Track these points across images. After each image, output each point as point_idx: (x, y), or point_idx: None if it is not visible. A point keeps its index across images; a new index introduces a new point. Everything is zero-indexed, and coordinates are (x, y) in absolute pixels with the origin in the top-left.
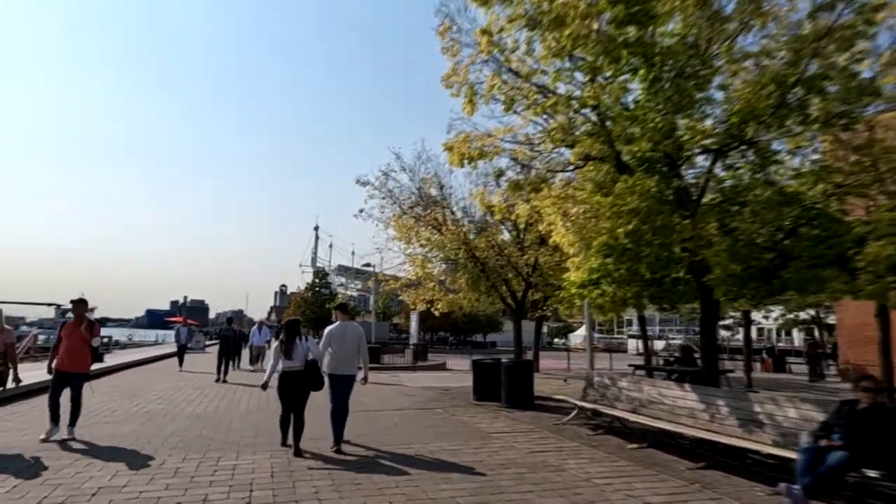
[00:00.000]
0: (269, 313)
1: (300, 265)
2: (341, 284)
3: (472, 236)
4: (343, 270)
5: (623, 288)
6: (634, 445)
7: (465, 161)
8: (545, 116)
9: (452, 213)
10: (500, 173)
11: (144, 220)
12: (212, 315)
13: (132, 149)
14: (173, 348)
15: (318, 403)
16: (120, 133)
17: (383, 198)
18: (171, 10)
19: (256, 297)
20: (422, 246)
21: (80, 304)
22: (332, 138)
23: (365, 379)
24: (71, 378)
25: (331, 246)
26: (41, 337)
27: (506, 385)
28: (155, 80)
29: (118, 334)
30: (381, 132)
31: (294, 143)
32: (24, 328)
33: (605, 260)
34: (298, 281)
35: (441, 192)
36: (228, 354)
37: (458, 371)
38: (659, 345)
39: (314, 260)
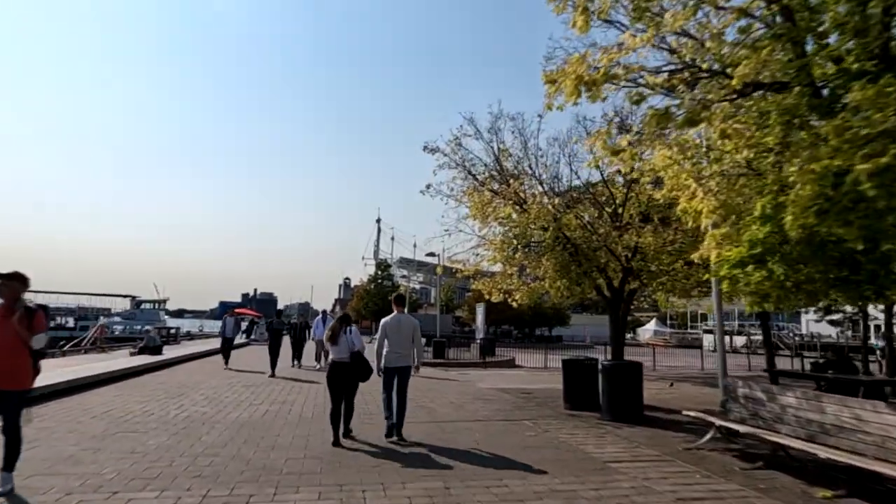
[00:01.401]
0: (334, 305)
1: (363, 258)
2: (403, 276)
3: (560, 212)
4: (405, 263)
5: (798, 269)
6: (828, 493)
7: (583, 89)
8: (678, 37)
9: (540, 183)
10: (639, 98)
11: (215, 219)
12: (280, 306)
13: (194, 148)
14: (237, 340)
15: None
16: (183, 133)
17: (455, 167)
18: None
19: (321, 289)
20: (501, 225)
21: (13, 282)
22: (395, 128)
23: (417, 367)
24: (1, 398)
25: (392, 238)
26: (117, 328)
27: (608, 392)
28: (214, 77)
29: (189, 325)
30: (449, 114)
31: (358, 136)
32: (104, 319)
33: (812, 221)
34: (361, 273)
35: (525, 156)
36: (277, 350)
37: (533, 369)
38: (738, 340)
39: (376, 252)
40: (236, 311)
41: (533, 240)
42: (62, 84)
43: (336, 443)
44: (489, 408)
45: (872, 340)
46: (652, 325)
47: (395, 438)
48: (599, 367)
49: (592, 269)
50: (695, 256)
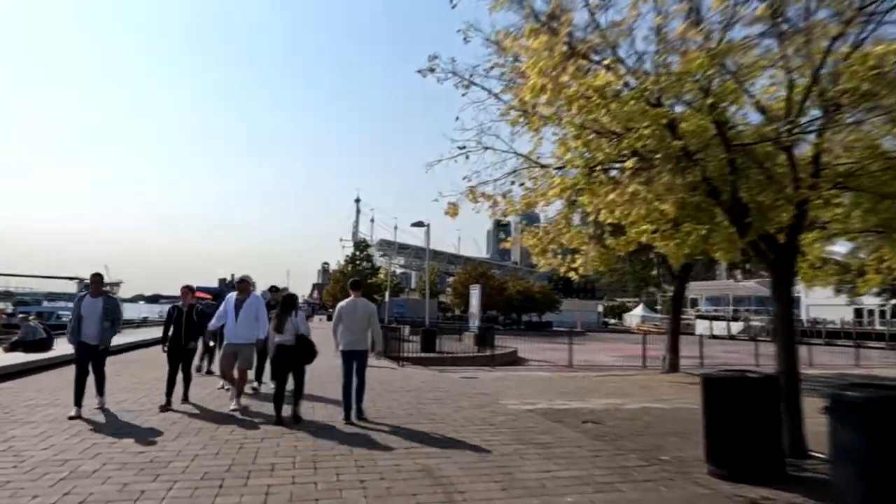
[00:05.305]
0: (312, 290)
1: (340, 239)
2: (384, 255)
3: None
4: (385, 245)
5: None
6: None
7: None
8: None
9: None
10: None
11: (190, 202)
12: (257, 292)
13: (167, 130)
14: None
15: None
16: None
17: None
18: None
19: (299, 274)
20: (583, 112)
21: None
22: (387, 104)
23: (377, 353)
24: None
25: (372, 220)
26: (63, 313)
27: (863, 459)
28: (184, 62)
29: (148, 311)
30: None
31: (336, 114)
32: (47, 304)
33: None
34: (339, 256)
35: None
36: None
37: (551, 366)
38: (735, 327)
39: (355, 233)
40: (195, 293)
41: (648, 148)
42: None
43: (279, 418)
44: (560, 472)
45: None
46: (639, 311)
47: (353, 419)
48: (840, 400)
49: (770, 197)
50: None
